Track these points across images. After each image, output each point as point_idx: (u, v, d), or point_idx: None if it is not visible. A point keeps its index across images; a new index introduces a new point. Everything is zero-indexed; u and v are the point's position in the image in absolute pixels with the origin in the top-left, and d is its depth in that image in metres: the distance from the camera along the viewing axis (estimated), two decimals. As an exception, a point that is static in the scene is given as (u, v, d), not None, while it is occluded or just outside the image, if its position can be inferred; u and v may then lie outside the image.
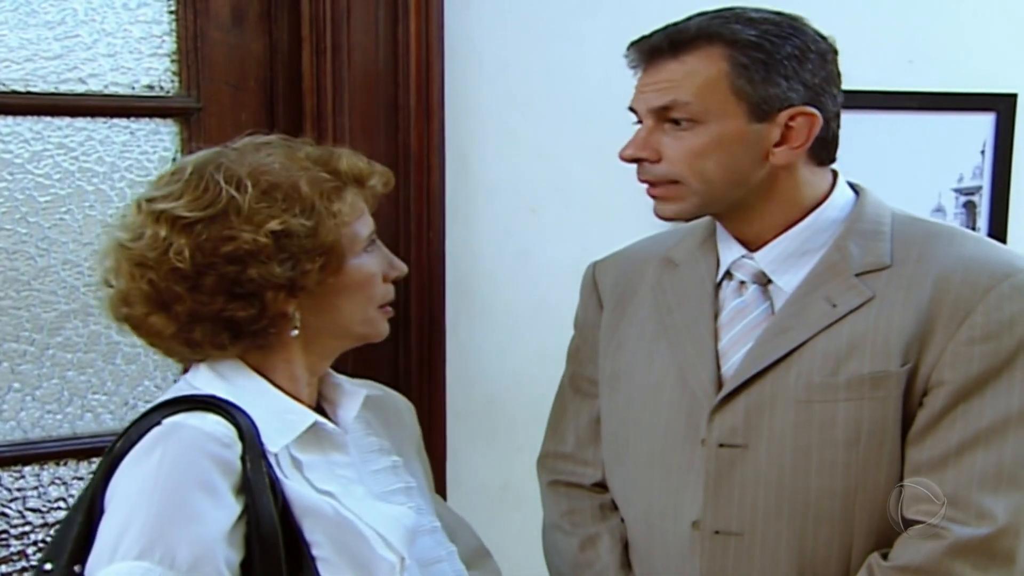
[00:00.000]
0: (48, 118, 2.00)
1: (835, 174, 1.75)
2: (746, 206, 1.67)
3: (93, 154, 2.05)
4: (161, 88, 2.08)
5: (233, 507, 1.46)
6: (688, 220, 1.72)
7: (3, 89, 1.96)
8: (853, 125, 2.50)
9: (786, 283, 1.69)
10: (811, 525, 1.64)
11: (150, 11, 2.06)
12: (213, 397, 1.55)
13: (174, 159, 2.09)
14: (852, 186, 1.76)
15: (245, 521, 1.47)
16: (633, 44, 1.66)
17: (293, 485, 1.54)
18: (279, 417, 1.59)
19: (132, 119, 2.07)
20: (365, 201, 1.67)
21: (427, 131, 2.17)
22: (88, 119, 2.04)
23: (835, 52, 1.68)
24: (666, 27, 1.64)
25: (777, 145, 1.62)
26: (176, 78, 2.09)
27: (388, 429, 1.81)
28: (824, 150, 1.69)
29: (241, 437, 1.50)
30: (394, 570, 1.56)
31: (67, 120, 2.02)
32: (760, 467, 1.65)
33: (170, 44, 2.08)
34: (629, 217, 2.05)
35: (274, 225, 1.52)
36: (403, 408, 1.90)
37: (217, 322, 1.55)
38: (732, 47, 1.59)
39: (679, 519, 1.71)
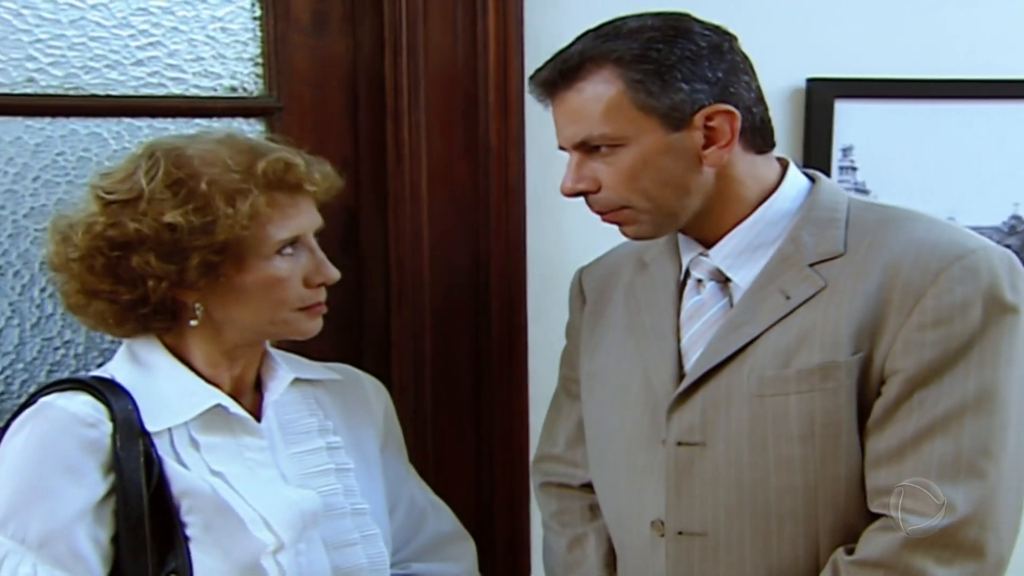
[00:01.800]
0: (128, 119, 2.09)
1: (785, 163, 1.69)
2: (702, 211, 1.63)
3: (173, 152, 2.12)
4: (244, 90, 2.16)
5: (98, 485, 1.55)
6: (656, 237, 1.70)
7: (83, 92, 2.07)
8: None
9: (742, 278, 1.65)
10: (775, 523, 1.58)
11: (234, 18, 2.14)
12: (94, 378, 1.64)
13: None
14: (809, 175, 1.70)
15: (115, 498, 1.55)
16: (531, 78, 1.66)
17: (176, 465, 1.60)
18: (182, 398, 1.65)
19: (214, 119, 2.14)
20: (295, 205, 1.68)
21: (505, 127, 2.19)
22: (168, 119, 2.12)
23: (732, 39, 1.62)
24: (554, 56, 1.62)
25: (705, 147, 1.58)
26: (260, 80, 2.17)
27: (345, 411, 1.84)
28: (759, 138, 1.64)
29: (113, 418, 1.57)
30: (265, 551, 1.60)
31: (147, 121, 2.10)
32: (719, 465, 1.61)
33: (254, 48, 2.16)
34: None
35: (167, 218, 1.57)
36: (370, 391, 1.92)
37: (107, 301, 1.63)
38: (619, 65, 1.55)
39: (642, 520, 1.68)
